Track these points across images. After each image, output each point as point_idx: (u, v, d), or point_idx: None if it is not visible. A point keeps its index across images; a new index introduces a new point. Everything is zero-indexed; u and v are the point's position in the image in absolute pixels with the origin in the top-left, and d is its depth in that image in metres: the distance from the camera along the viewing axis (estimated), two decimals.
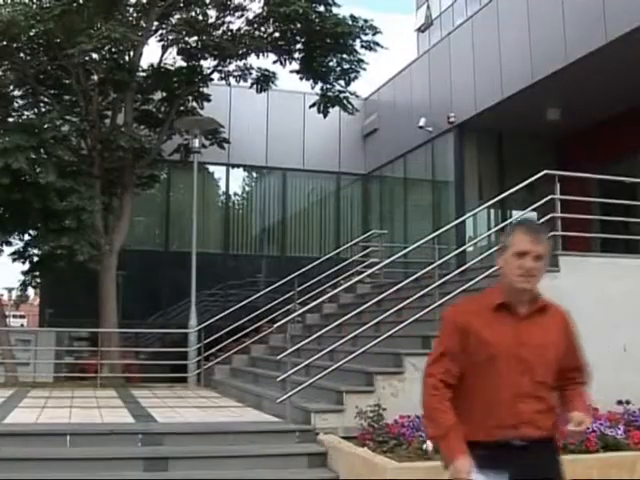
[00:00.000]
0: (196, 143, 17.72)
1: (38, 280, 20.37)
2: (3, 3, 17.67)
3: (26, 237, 18.72)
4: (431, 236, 11.81)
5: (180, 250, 22.34)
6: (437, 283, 10.98)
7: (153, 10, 18.84)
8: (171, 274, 21.45)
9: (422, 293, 11.18)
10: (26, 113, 19.13)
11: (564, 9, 15.76)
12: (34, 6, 17.51)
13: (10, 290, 57.81)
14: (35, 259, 18.52)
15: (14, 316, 54.88)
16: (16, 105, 19.11)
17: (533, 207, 11.79)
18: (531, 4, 17.00)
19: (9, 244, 18.78)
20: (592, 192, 14.83)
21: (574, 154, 19.22)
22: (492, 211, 19.83)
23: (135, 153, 18.78)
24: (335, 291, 15.36)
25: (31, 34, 17.44)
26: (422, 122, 20.77)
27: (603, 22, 14.42)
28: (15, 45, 17.60)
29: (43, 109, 19.19)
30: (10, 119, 18.31)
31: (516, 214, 17.20)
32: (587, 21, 15.05)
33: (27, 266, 18.90)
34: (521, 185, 11.60)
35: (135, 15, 19.49)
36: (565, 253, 10.78)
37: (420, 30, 51.76)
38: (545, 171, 11.33)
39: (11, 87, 18.65)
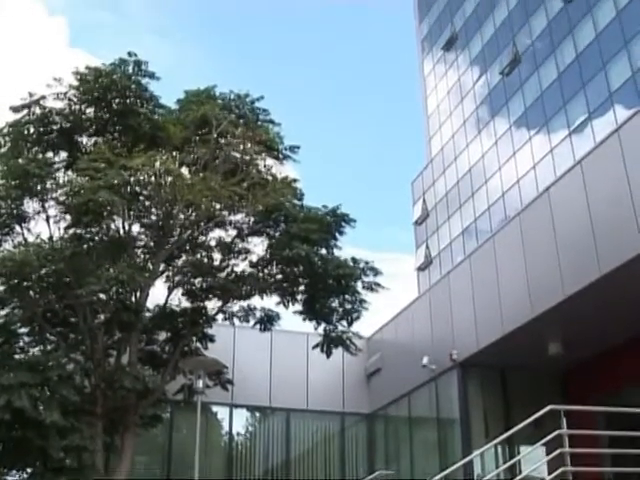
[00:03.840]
0: (200, 384, 17.66)
1: None
2: (17, 245, 18.32)
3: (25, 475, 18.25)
4: (439, 476, 11.59)
5: None
6: None
7: (160, 253, 19.42)
8: None
9: None
10: (32, 350, 19.24)
11: (557, 245, 16.27)
12: (46, 246, 18.11)
13: None
14: None
15: None
16: (22, 342, 19.26)
17: (541, 443, 11.66)
18: (526, 241, 17.56)
19: None
20: (599, 423, 14.66)
21: (578, 386, 19.20)
22: (499, 447, 19.48)
23: (139, 393, 18.68)
24: None
25: (41, 273, 17.89)
26: (425, 361, 20.87)
27: (596, 256, 14.86)
28: (25, 284, 18.00)
29: (49, 347, 19.32)
30: (16, 356, 18.39)
31: (524, 449, 16.91)
32: (580, 255, 15.51)
33: None
34: (527, 421, 11.54)
35: (143, 257, 20.07)
36: None
37: (420, 269, 53.17)
38: (550, 406, 11.30)
39: (18, 324, 18.89)
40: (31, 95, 18.92)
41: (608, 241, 14.75)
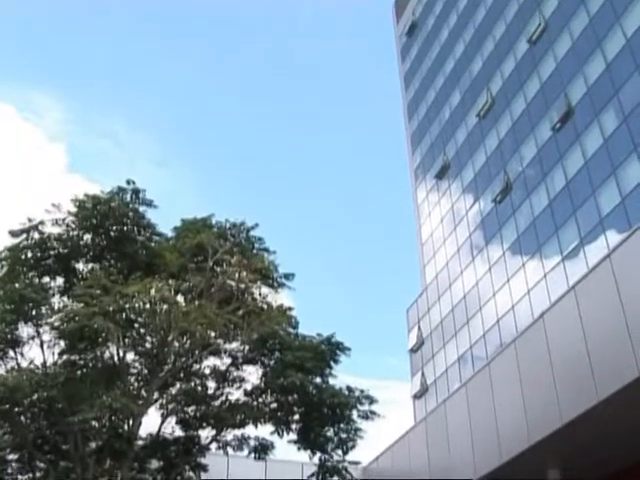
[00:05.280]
0: None
1: None
2: (10, 369, 18.20)
3: None
4: None
5: None
6: None
7: (154, 381, 19.29)
8: None
9: None
10: (20, 478, 18.87)
11: (554, 370, 16.18)
12: (39, 372, 17.96)
13: None
14: None
15: None
16: (11, 469, 18.90)
17: None
18: (522, 367, 17.47)
19: None
20: None
21: None
22: None
23: None
24: None
25: (33, 399, 17.70)
26: None
27: (593, 381, 14.75)
28: (17, 409, 17.79)
29: (38, 474, 18.95)
30: None
31: None
32: (577, 381, 15.38)
33: None
34: None
35: (137, 385, 19.91)
36: None
37: (416, 396, 52.59)
38: None
39: (8, 450, 18.57)
40: (30, 220, 19.25)
41: (605, 366, 14.68)
